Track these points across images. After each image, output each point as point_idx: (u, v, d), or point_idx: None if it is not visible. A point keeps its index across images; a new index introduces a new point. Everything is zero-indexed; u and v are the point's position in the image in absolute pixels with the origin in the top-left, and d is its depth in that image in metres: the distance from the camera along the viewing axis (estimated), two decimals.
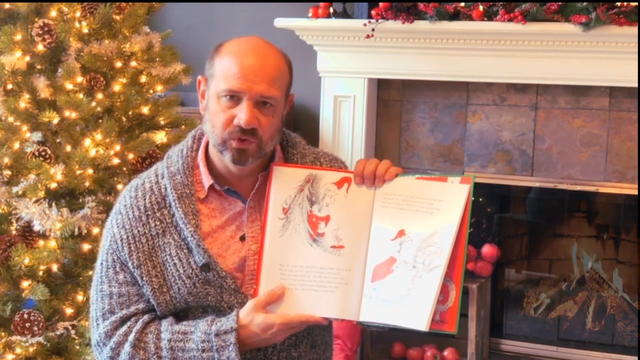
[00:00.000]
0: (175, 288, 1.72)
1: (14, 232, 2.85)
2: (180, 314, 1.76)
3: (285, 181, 1.75)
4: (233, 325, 1.66)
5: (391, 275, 1.67)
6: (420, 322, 1.61)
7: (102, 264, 1.78)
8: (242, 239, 1.76)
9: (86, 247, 2.87)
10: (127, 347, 1.70)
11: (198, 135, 1.82)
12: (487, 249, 3.92)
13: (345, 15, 3.84)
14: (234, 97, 1.67)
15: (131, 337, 1.70)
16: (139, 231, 1.74)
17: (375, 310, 1.67)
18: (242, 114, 1.66)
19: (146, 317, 1.73)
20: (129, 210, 1.77)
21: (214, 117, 1.70)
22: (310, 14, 3.86)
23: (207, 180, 1.77)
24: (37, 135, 2.94)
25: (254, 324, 1.66)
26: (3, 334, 2.85)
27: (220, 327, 1.67)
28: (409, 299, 1.64)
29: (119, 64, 3.00)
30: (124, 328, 1.72)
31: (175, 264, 1.72)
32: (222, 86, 1.68)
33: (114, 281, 1.75)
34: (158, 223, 1.74)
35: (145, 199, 1.76)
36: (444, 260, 1.63)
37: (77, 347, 2.88)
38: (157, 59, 3.14)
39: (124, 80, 3.01)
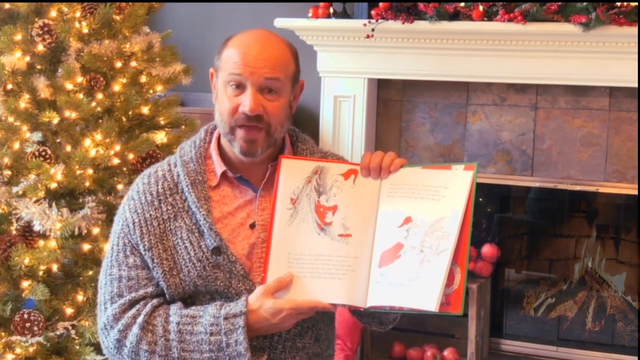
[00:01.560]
0: (185, 271, 1.75)
1: (14, 232, 2.85)
2: (188, 301, 1.78)
3: (293, 173, 1.79)
4: (242, 309, 1.69)
5: (399, 260, 1.71)
6: (429, 303, 1.65)
7: (112, 248, 1.81)
8: (252, 226, 1.80)
9: (86, 247, 2.87)
10: (135, 329, 1.72)
11: (211, 129, 1.88)
12: (487, 249, 3.92)
13: (345, 15, 3.84)
14: (240, 86, 1.73)
15: (140, 320, 1.72)
16: (150, 215, 1.78)
17: (382, 294, 1.70)
18: (246, 101, 1.72)
19: (155, 301, 1.75)
20: (142, 196, 1.81)
21: (221, 105, 1.77)
22: (310, 14, 3.86)
23: (219, 167, 1.82)
24: (37, 135, 2.94)
25: (263, 309, 1.69)
26: (3, 334, 2.85)
27: (229, 310, 1.69)
28: (417, 281, 1.67)
29: (119, 64, 3.00)
30: (133, 311, 1.74)
31: (186, 247, 1.76)
32: (226, 74, 1.74)
33: (123, 265, 1.78)
34: (170, 207, 1.78)
35: (157, 185, 1.81)
36: (452, 243, 1.67)
37: (77, 347, 2.88)
38: (157, 59, 3.14)
39: (124, 80, 3.02)
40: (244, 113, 1.72)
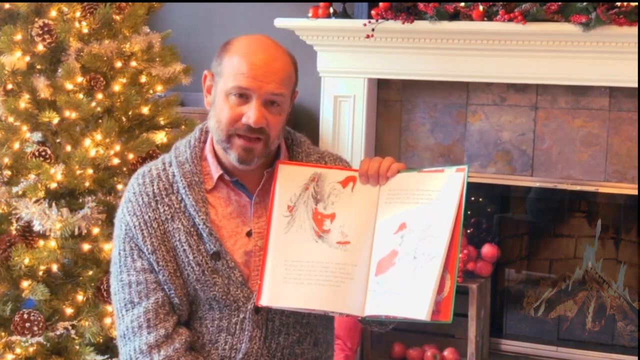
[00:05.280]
0: (185, 274, 1.75)
1: (14, 232, 2.85)
2: (192, 307, 1.78)
3: (290, 179, 1.77)
4: None
5: (393, 268, 1.69)
6: (420, 311, 1.62)
7: (119, 253, 1.80)
8: (249, 234, 1.78)
9: (86, 247, 2.87)
10: None
11: (206, 128, 1.85)
12: (487, 249, 3.92)
13: (345, 15, 3.84)
14: (243, 96, 1.70)
15: (156, 358, 1.73)
16: (149, 217, 1.77)
17: (378, 303, 1.69)
18: (251, 113, 1.68)
19: (178, 345, 1.74)
20: (138, 197, 1.79)
21: (220, 113, 1.72)
22: (310, 14, 3.85)
23: (215, 171, 1.80)
24: (37, 135, 2.94)
25: None
26: (3, 334, 2.85)
27: None
28: (410, 289, 1.65)
29: (119, 64, 3.00)
30: (153, 338, 1.73)
31: (185, 250, 1.75)
32: (231, 84, 1.70)
33: (132, 269, 1.77)
34: (167, 208, 1.77)
35: (153, 185, 1.79)
36: (443, 248, 1.65)
37: (77, 347, 2.87)
38: (157, 59, 3.14)
39: (124, 80, 3.01)
40: (248, 125, 1.69)
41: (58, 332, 2.87)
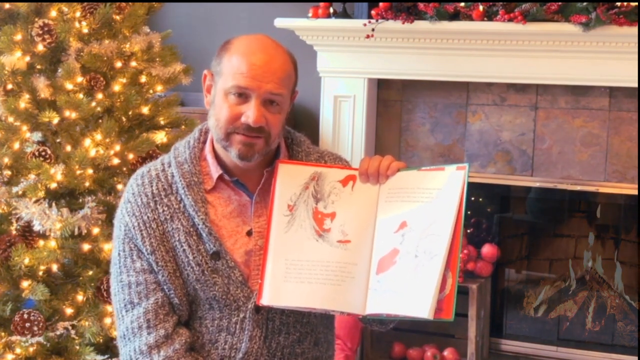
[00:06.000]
0: (185, 274, 1.75)
1: (14, 232, 2.85)
2: (192, 307, 1.78)
3: (290, 178, 1.78)
4: None
5: (394, 267, 1.69)
6: (423, 310, 1.62)
7: (119, 254, 1.80)
8: (249, 234, 1.78)
9: (86, 247, 2.87)
10: None
11: (205, 128, 1.85)
12: (487, 249, 3.92)
13: (345, 15, 3.84)
14: (242, 95, 1.70)
15: (156, 359, 1.73)
16: (148, 217, 1.77)
17: (380, 302, 1.69)
18: (250, 113, 1.69)
19: (178, 345, 1.74)
20: (137, 198, 1.79)
21: (219, 112, 1.73)
22: (310, 14, 3.86)
23: (215, 171, 1.80)
24: (37, 135, 2.94)
25: None
26: (3, 334, 2.85)
27: None
28: (412, 288, 1.65)
29: (119, 64, 3.00)
30: (153, 338, 1.73)
31: (184, 250, 1.75)
32: (230, 84, 1.70)
33: (131, 270, 1.77)
34: (166, 209, 1.77)
35: (152, 186, 1.79)
36: (444, 247, 1.65)
37: (77, 347, 2.88)
38: (157, 59, 3.14)
39: (124, 80, 3.01)
40: (247, 124, 1.69)
41: (58, 332, 2.87)
